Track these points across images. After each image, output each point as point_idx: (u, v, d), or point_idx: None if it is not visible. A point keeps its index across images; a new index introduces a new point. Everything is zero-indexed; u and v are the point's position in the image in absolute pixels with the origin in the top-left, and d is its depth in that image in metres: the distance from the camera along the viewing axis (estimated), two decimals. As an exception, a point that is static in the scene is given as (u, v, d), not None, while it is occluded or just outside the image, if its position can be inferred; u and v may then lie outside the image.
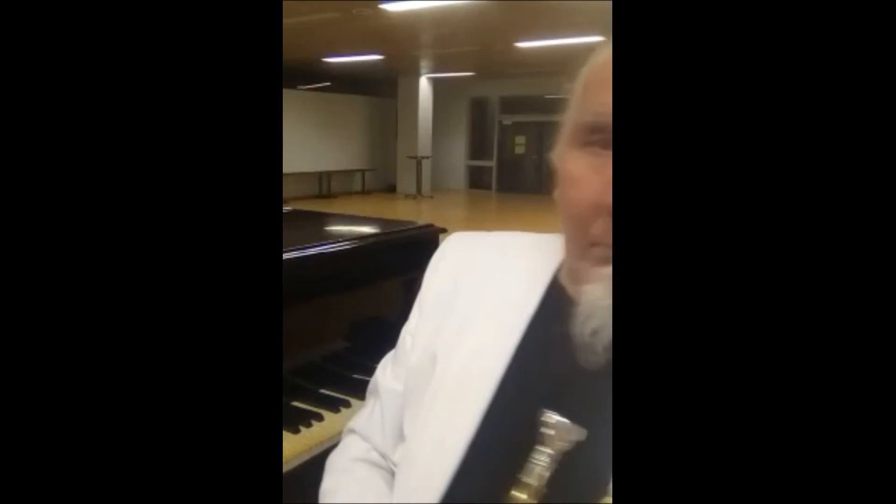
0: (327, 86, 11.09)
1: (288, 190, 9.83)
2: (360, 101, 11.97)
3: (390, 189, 12.31)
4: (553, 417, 0.50)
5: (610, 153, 0.49)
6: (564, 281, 0.58)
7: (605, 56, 0.52)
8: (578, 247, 0.53)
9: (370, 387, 0.72)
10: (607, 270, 0.49)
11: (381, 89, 12.01)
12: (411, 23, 6.35)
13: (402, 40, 7.22)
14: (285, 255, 1.26)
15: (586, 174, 0.51)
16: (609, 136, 0.48)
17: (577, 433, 0.50)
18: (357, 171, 12.13)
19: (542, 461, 0.50)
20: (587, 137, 0.51)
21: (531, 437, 0.51)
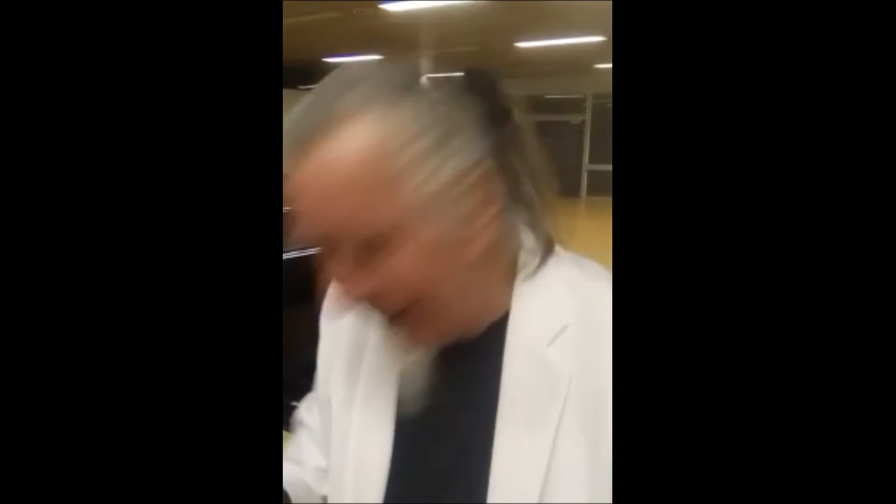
0: (327, 86, 11.06)
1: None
2: (360, 100, 11.89)
3: (390, 189, 12.24)
4: None
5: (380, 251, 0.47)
6: None
7: (354, 158, 0.45)
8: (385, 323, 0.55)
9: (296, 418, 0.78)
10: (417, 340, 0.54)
11: (381, 89, 11.96)
12: (411, 23, 6.35)
13: (402, 40, 7.22)
14: (285, 255, 1.26)
15: (360, 277, 0.49)
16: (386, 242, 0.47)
17: None
18: (357, 170, 12.07)
19: None
20: (364, 251, 0.47)
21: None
